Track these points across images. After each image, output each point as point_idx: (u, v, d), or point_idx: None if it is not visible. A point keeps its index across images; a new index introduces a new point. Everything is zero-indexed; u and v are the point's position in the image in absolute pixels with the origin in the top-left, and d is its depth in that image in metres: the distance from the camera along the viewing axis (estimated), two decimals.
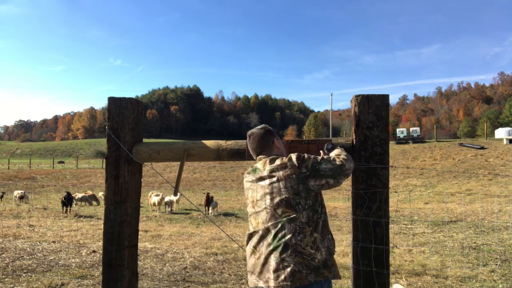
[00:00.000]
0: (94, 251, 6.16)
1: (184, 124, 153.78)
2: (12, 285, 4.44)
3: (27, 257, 5.77)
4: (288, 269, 1.75)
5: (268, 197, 1.91)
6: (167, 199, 13.43)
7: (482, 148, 25.99)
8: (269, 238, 1.84)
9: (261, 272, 1.84)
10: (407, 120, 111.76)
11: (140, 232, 2.81)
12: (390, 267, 2.29)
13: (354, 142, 2.42)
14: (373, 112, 2.38)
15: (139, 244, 2.80)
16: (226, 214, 11.56)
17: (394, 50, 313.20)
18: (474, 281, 4.63)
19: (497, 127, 41.68)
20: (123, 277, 2.59)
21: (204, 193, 13.26)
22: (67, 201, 12.43)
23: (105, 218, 2.62)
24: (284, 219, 1.83)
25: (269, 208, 1.89)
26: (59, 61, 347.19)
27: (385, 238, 2.31)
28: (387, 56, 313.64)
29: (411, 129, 38.93)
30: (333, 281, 1.92)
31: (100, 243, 6.54)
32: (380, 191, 2.32)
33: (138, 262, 2.79)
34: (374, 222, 2.31)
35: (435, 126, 56.94)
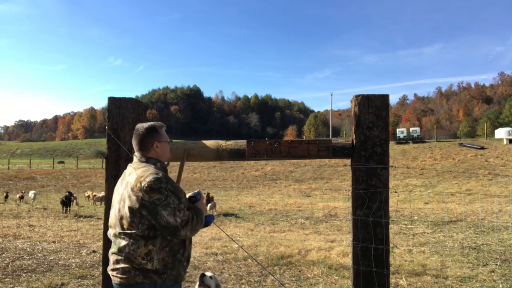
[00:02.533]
0: (94, 251, 6.16)
1: (184, 124, 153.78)
2: (12, 285, 4.44)
3: (27, 257, 5.77)
4: (120, 269, 1.95)
5: (117, 205, 2.04)
6: None
7: (482, 148, 25.98)
8: (113, 242, 2.03)
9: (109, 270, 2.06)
10: (407, 120, 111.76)
11: None
12: (390, 267, 2.28)
13: (354, 142, 2.43)
14: (373, 112, 2.38)
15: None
16: (226, 214, 11.56)
17: (396, 50, 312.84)
18: (474, 281, 4.63)
19: (497, 127, 41.72)
20: None
21: (204, 193, 13.27)
22: (68, 200, 12.41)
23: (105, 218, 2.62)
24: (122, 230, 1.97)
25: (116, 215, 2.02)
26: (59, 61, 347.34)
27: (385, 238, 2.31)
28: (389, 56, 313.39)
29: (411, 129, 38.94)
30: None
31: (100, 243, 6.54)
32: (380, 191, 2.32)
33: None
34: (374, 222, 2.31)
35: (435, 126, 56.94)
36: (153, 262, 1.94)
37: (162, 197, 1.89)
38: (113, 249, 2.00)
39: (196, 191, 2.19)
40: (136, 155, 2.12)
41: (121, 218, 1.98)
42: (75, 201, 14.14)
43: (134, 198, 1.92)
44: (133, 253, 1.92)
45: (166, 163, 2.23)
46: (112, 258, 2.02)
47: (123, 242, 1.95)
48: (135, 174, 1.99)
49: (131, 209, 1.93)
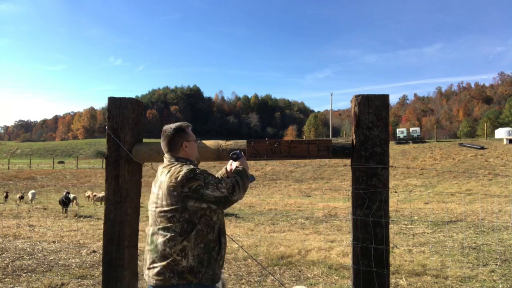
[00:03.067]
0: (94, 251, 6.16)
1: None
2: (12, 285, 4.44)
3: (27, 257, 5.77)
4: (155, 270, 1.98)
5: (153, 204, 2.07)
6: None
7: (482, 148, 25.98)
8: (148, 240, 2.07)
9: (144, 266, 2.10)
10: (407, 120, 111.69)
11: (140, 232, 2.81)
12: (390, 267, 2.28)
13: (354, 142, 2.42)
14: (373, 112, 2.38)
15: (139, 244, 2.80)
16: (226, 214, 11.56)
17: (396, 50, 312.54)
18: (474, 281, 4.63)
19: (497, 127, 41.70)
20: (123, 277, 2.59)
21: None
22: (67, 200, 12.40)
23: (105, 218, 2.62)
24: (160, 226, 2.01)
25: (153, 213, 2.07)
26: (59, 61, 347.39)
27: (385, 238, 2.31)
28: (389, 56, 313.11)
29: (411, 129, 38.93)
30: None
31: (100, 243, 6.54)
32: (380, 191, 2.32)
33: (138, 262, 2.79)
34: (374, 222, 2.31)
35: (435, 126, 56.92)
36: (188, 258, 1.96)
37: (201, 182, 1.96)
38: (150, 246, 2.03)
39: (237, 150, 2.32)
40: (166, 157, 2.17)
41: (159, 216, 2.01)
42: (75, 201, 14.14)
43: (174, 194, 1.96)
44: (169, 250, 1.96)
45: (196, 161, 2.27)
46: (148, 256, 2.05)
47: (160, 239, 1.99)
48: (168, 173, 2.04)
49: (170, 205, 1.97)
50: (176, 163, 2.09)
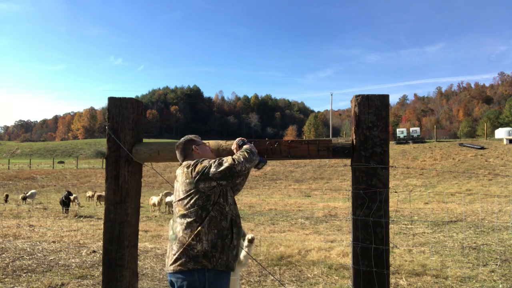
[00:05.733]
0: (94, 251, 6.16)
1: (184, 124, 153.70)
2: (12, 285, 4.44)
3: (27, 257, 5.77)
4: (174, 257, 2.13)
5: (176, 198, 2.29)
6: (167, 199, 13.42)
7: (482, 148, 25.98)
8: (170, 232, 2.26)
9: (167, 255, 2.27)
10: (407, 120, 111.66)
11: (140, 232, 2.81)
12: (390, 267, 2.28)
13: (354, 142, 2.42)
14: (373, 112, 2.38)
15: (139, 244, 2.80)
16: None
17: (399, 49, 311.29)
18: (474, 281, 4.62)
19: (497, 127, 41.70)
20: (123, 277, 2.59)
21: None
22: (67, 200, 12.39)
23: (105, 218, 2.62)
24: (178, 214, 2.21)
25: (174, 206, 2.30)
26: (59, 60, 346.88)
27: (385, 238, 2.31)
28: (391, 55, 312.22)
29: (411, 129, 38.92)
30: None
31: (100, 243, 6.54)
32: (380, 191, 2.32)
33: (138, 262, 2.79)
34: (374, 222, 2.31)
35: (435, 126, 56.91)
36: (202, 242, 2.10)
37: (206, 164, 2.21)
38: (171, 236, 2.23)
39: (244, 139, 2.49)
40: (183, 164, 2.38)
41: (177, 205, 2.23)
42: (76, 201, 14.14)
43: (187, 181, 2.20)
44: (184, 235, 2.13)
45: None
46: (168, 244, 2.24)
47: (178, 227, 2.18)
48: (182, 167, 2.30)
49: (185, 192, 2.20)
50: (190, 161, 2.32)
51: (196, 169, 2.20)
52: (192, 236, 2.10)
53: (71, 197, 12.83)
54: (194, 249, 2.09)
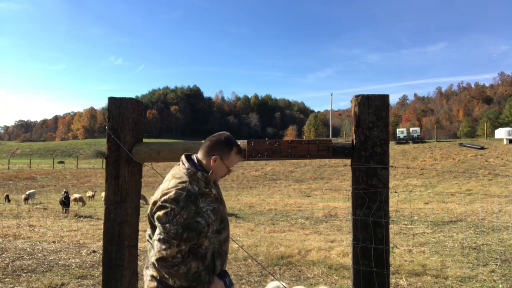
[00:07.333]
0: (94, 251, 6.16)
1: (184, 124, 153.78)
2: (12, 285, 4.44)
3: (27, 257, 5.77)
4: (152, 284, 1.88)
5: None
6: None
7: (482, 148, 25.98)
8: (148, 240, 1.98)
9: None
10: (407, 120, 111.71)
11: (140, 232, 2.81)
12: (390, 267, 2.28)
13: (354, 142, 2.42)
14: (373, 112, 2.38)
15: (139, 244, 2.80)
16: None
17: (400, 49, 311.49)
18: (474, 281, 4.62)
19: (497, 127, 41.72)
20: (123, 277, 2.59)
21: None
22: (67, 200, 12.39)
23: (105, 218, 2.62)
24: (148, 232, 1.96)
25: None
26: (59, 60, 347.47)
27: (385, 238, 2.31)
28: (392, 55, 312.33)
29: (411, 129, 38.94)
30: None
31: (100, 243, 6.54)
32: (380, 191, 2.32)
33: (138, 262, 2.79)
34: (374, 222, 2.31)
35: (435, 126, 56.92)
36: (175, 282, 1.86)
37: (162, 220, 1.80)
38: (148, 246, 2.04)
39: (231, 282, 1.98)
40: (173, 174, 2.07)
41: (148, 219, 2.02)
42: (81, 202, 14.14)
43: (150, 207, 1.95)
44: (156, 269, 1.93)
45: (210, 177, 2.03)
46: (148, 255, 2.03)
47: (150, 249, 1.98)
48: (171, 173, 2.01)
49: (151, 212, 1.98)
50: (187, 165, 1.91)
51: (156, 214, 1.78)
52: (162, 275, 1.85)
53: (77, 196, 12.82)
54: (166, 283, 1.84)
